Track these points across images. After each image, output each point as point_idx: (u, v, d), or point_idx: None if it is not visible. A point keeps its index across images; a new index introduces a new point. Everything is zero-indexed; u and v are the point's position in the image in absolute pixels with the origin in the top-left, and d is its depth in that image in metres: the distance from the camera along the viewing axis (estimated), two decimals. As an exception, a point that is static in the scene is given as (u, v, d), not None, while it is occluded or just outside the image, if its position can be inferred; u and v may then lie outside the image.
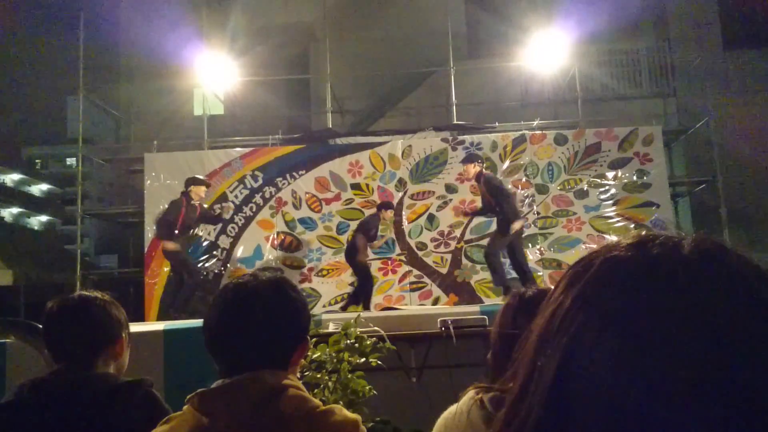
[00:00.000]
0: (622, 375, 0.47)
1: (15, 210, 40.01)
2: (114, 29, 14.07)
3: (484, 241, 8.88)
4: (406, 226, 8.94)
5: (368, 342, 3.35)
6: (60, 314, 1.74)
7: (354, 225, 8.92)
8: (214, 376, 1.33)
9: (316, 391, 3.08)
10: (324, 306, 8.60)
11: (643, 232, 0.56)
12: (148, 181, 9.21)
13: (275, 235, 8.98)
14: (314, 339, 3.24)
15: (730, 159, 10.01)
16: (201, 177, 7.99)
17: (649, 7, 11.28)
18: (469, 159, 7.60)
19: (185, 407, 1.30)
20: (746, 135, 10.36)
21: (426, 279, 8.79)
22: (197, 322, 4.85)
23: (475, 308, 5.33)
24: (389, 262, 8.83)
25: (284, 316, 1.35)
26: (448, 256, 8.87)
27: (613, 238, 8.60)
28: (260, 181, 9.10)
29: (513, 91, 11.23)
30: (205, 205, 8.21)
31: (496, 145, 9.07)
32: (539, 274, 8.65)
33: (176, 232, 7.37)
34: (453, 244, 8.89)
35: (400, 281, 8.70)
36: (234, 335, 1.33)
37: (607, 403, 0.47)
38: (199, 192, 7.53)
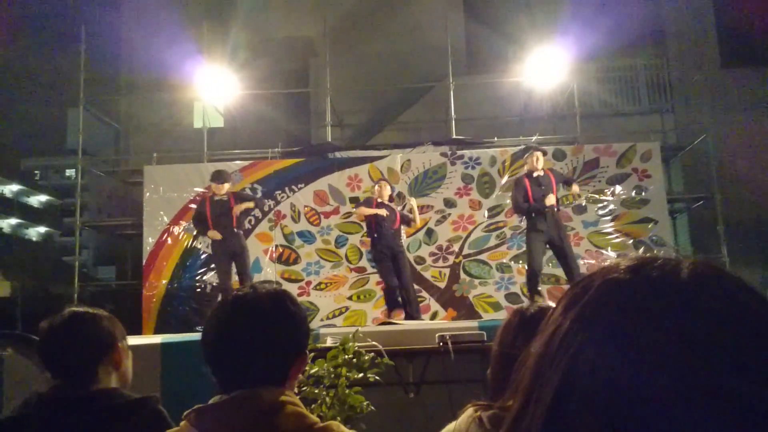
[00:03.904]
0: (621, 397, 0.48)
1: (13, 221, 39.96)
2: (115, 42, 14.13)
3: (483, 256, 8.90)
4: (404, 240, 8.94)
5: (366, 357, 3.34)
6: (51, 333, 1.74)
7: (352, 239, 8.93)
8: (212, 391, 1.32)
9: (313, 406, 3.06)
10: (322, 320, 8.58)
11: (641, 253, 0.57)
12: (147, 194, 9.22)
13: (273, 248, 8.98)
14: (312, 354, 3.23)
15: (728, 175, 10.03)
16: (220, 171, 7.55)
17: (647, 25, 11.36)
18: (537, 147, 7.02)
19: (182, 423, 1.30)
20: (744, 152, 10.40)
21: (424, 293, 8.78)
22: (195, 336, 4.84)
23: (474, 323, 5.33)
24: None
25: (283, 329, 1.35)
26: (447, 271, 8.87)
27: (611, 253, 8.65)
28: (259, 194, 9.10)
29: (512, 106, 11.27)
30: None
31: (495, 159, 9.10)
32: (538, 289, 8.64)
33: (209, 225, 7.10)
34: (451, 258, 8.89)
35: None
36: (232, 347, 1.32)
37: (607, 425, 0.48)
38: (217, 189, 7.13)
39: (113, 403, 1.64)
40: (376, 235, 7.00)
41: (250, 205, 7.25)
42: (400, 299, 7.11)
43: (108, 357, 1.75)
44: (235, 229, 7.12)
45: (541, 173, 6.69)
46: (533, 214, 6.62)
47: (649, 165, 9.03)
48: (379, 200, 7.06)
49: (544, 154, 6.93)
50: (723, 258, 9.04)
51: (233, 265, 7.20)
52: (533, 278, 6.79)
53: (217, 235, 6.95)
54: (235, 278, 7.26)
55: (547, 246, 6.81)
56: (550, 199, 6.47)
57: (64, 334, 1.73)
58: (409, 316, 7.03)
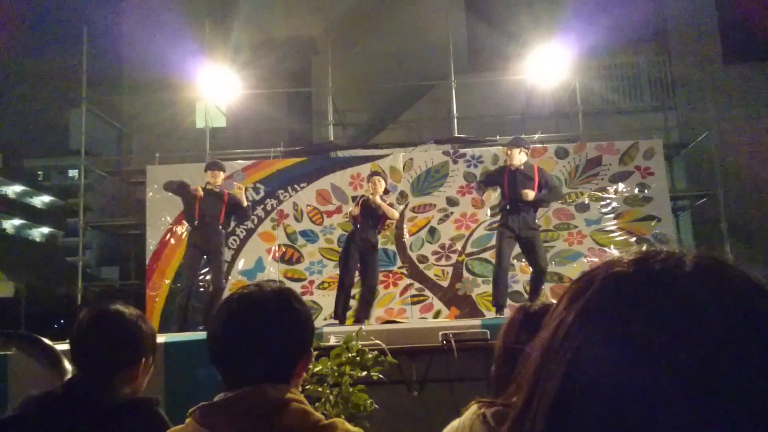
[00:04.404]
0: (625, 390, 0.48)
1: (17, 222, 40.03)
2: (117, 42, 14.15)
3: (486, 254, 8.89)
4: (407, 239, 8.94)
5: (369, 355, 3.35)
6: (92, 324, 1.73)
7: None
8: (216, 389, 1.33)
9: (317, 404, 3.07)
10: (325, 319, 8.57)
11: (645, 248, 0.57)
12: (150, 194, 9.23)
13: (276, 248, 8.99)
14: (315, 352, 3.23)
15: (731, 173, 10.02)
16: (215, 160, 7.38)
17: (649, 22, 11.34)
18: (514, 143, 6.65)
19: (187, 420, 1.30)
20: (747, 148, 10.38)
21: (427, 292, 8.78)
22: (198, 335, 4.85)
23: (477, 322, 5.32)
24: (390, 274, 8.81)
25: (288, 327, 1.35)
26: (450, 269, 8.87)
27: (614, 251, 8.64)
28: (262, 194, 9.12)
29: (514, 104, 11.26)
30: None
31: (497, 158, 9.08)
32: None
33: (195, 215, 6.83)
34: (454, 257, 8.89)
35: (401, 294, 8.69)
36: (237, 345, 1.32)
37: (611, 418, 0.48)
38: (213, 178, 6.86)
39: (109, 404, 1.64)
40: (358, 226, 6.84)
41: (243, 202, 6.96)
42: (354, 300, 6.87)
43: (129, 369, 1.73)
44: (220, 227, 6.88)
45: (522, 167, 6.44)
46: (507, 208, 6.39)
47: (651, 162, 9.01)
48: (371, 197, 6.84)
49: (527, 148, 6.66)
50: (726, 255, 9.02)
51: (200, 265, 7.11)
52: (500, 282, 6.46)
53: (200, 191, 6.68)
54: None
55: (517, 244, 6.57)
56: (528, 195, 6.21)
57: (106, 328, 1.72)
58: (356, 319, 6.75)
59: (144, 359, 1.78)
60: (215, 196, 6.90)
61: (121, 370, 1.71)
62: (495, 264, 6.72)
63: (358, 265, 6.85)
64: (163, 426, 1.64)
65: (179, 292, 7.18)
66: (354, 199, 8.95)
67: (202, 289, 8.78)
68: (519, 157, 6.48)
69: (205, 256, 7.08)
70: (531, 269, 6.63)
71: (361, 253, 6.80)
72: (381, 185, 6.90)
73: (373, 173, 7.29)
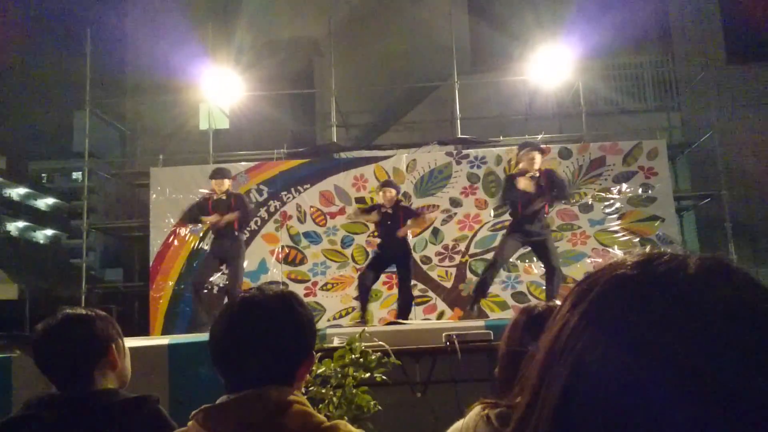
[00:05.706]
0: (629, 393, 0.48)
1: (21, 224, 40.18)
2: (121, 45, 14.20)
3: (489, 255, 8.88)
4: (410, 239, 8.94)
5: (373, 357, 3.34)
6: (44, 337, 1.73)
7: (359, 239, 8.93)
8: (219, 391, 1.33)
9: (320, 406, 3.06)
10: (328, 320, 8.59)
11: (648, 250, 0.57)
12: (154, 195, 9.25)
13: (280, 249, 9.00)
14: (319, 354, 3.23)
15: (735, 173, 9.99)
16: (219, 168, 7.29)
17: (652, 22, 11.32)
18: (535, 146, 6.36)
19: (190, 423, 1.30)
20: (751, 148, 10.36)
21: (431, 293, 8.78)
22: (202, 336, 4.85)
23: (480, 323, 5.32)
24: (394, 275, 8.81)
25: (290, 331, 1.35)
26: (453, 270, 8.86)
27: (618, 251, 8.63)
28: (265, 195, 9.13)
29: (517, 105, 11.26)
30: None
31: (501, 159, 9.09)
32: (545, 288, 8.63)
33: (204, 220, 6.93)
34: (458, 258, 8.89)
35: (404, 295, 8.67)
36: (239, 349, 1.33)
37: (615, 420, 0.48)
38: (218, 186, 6.80)
39: (111, 402, 1.65)
40: (379, 241, 6.98)
41: (232, 217, 6.78)
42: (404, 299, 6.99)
43: (103, 358, 1.74)
44: (236, 232, 6.79)
45: (536, 174, 6.17)
46: (520, 219, 6.25)
47: (655, 163, 9.00)
48: (384, 209, 6.78)
49: (543, 153, 6.44)
50: (731, 255, 9.01)
51: (219, 269, 7.16)
52: (489, 275, 6.45)
53: (213, 218, 6.72)
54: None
55: (527, 247, 6.60)
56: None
57: (57, 338, 1.71)
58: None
59: (113, 344, 1.78)
60: (224, 204, 6.84)
61: (94, 365, 1.71)
62: (493, 257, 6.58)
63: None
64: (166, 424, 1.65)
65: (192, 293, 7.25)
66: (358, 200, 8.98)
67: (205, 291, 8.80)
68: (539, 163, 6.20)
69: (223, 266, 7.15)
70: (544, 269, 6.61)
71: (391, 261, 6.92)
72: (389, 194, 6.76)
73: (384, 184, 7.01)
